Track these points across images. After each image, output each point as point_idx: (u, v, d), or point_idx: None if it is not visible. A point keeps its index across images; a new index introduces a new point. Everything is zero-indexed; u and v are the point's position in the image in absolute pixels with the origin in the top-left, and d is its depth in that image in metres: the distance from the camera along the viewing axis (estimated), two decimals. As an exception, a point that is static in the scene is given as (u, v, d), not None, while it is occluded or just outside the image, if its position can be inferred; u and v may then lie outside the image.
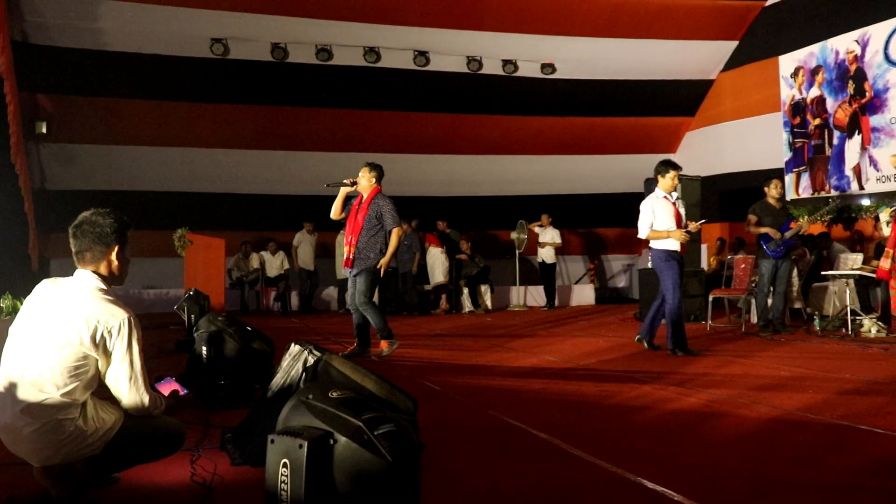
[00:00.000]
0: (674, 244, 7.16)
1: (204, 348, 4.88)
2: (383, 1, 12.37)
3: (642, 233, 7.25)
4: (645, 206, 7.26)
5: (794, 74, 12.81)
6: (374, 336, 7.18)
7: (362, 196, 7.08)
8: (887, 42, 11.05)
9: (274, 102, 13.56)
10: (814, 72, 12.42)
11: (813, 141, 12.46)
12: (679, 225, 7.20)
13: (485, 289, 14.07)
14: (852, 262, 9.69)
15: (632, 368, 6.39)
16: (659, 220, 7.18)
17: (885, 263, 7.80)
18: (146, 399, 2.80)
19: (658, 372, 6.12)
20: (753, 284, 9.44)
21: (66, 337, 2.66)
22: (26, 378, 2.66)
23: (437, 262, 13.47)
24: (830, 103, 12.13)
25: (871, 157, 11.37)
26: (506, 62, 13.82)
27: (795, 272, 10.20)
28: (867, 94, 11.42)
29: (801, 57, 12.67)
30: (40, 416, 2.62)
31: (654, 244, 7.27)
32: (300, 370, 3.56)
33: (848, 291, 8.82)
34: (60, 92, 12.43)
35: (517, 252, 14.41)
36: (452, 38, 13.17)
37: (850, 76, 11.75)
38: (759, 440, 3.90)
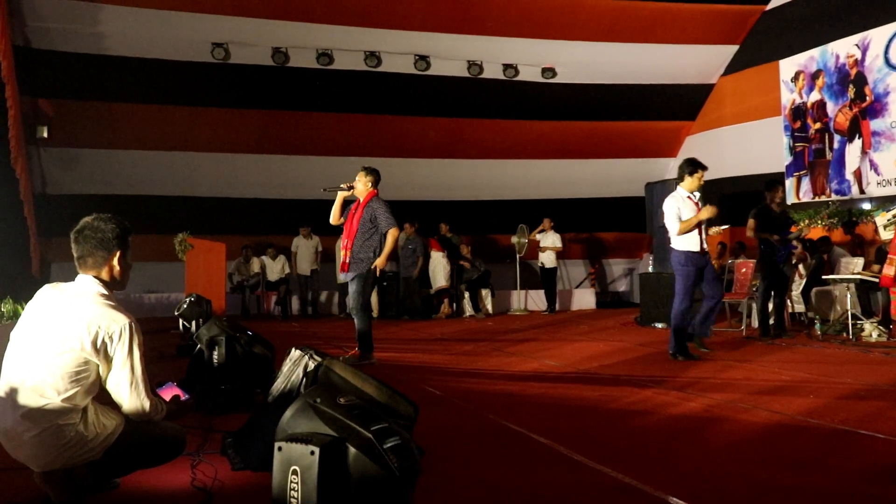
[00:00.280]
0: (693, 245, 7.02)
1: (205, 353, 4.89)
2: (384, 5, 12.39)
3: (674, 229, 7.04)
4: (670, 205, 7.08)
5: (795, 78, 12.82)
6: (377, 341, 7.18)
7: (359, 200, 7.09)
8: (888, 46, 11.06)
9: (275, 107, 13.57)
10: (814, 76, 12.42)
11: (813, 145, 12.46)
12: (701, 229, 7.06)
13: (486, 293, 14.07)
14: (853, 266, 9.69)
15: (632, 373, 6.39)
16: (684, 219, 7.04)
17: (889, 270, 7.78)
18: (147, 404, 2.80)
19: (659, 376, 6.12)
20: (754, 289, 9.44)
21: (67, 342, 2.66)
22: (27, 383, 2.66)
23: (438, 267, 13.47)
24: (831, 107, 12.13)
25: (871, 161, 11.37)
26: (506, 66, 13.83)
27: (797, 276, 10.21)
28: (868, 98, 11.43)
29: (802, 61, 12.67)
30: (41, 421, 2.62)
31: (674, 245, 7.13)
32: (301, 375, 3.56)
33: (849, 295, 8.82)
34: (62, 96, 12.44)
35: (518, 256, 14.40)
36: (453, 42, 13.18)
37: (850, 80, 11.75)
38: (759, 445, 3.90)
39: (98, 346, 2.68)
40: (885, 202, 10.68)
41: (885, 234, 8.39)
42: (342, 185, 7.11)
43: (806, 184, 12.57)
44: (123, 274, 2.89)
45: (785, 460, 3.59)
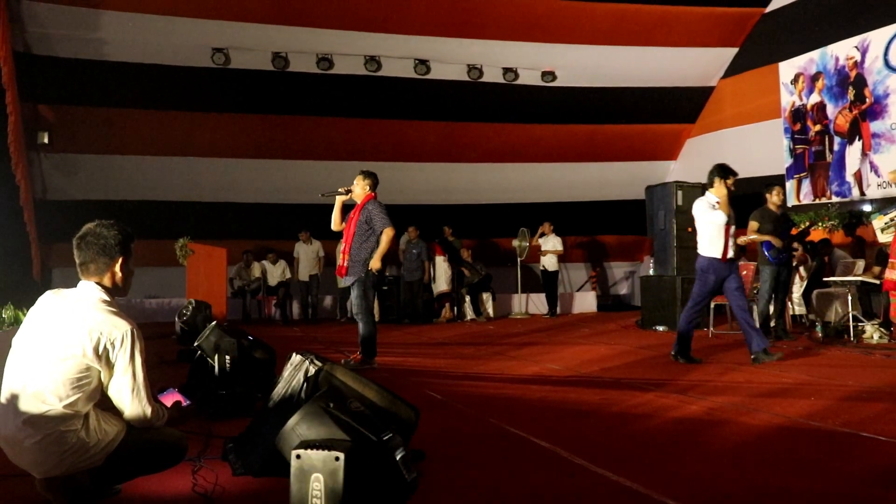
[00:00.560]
0: (716, 251, 6.96)
1: (205, 358, 4.89)
2: (384, 10, 12.40)
3: (703, 234, 6.99)
4: (704, 210, 7.03)
5: (795, 81, 12.83)
6: (380, 345, 7.17)
7: (357, 204, 7.10)
8: (887, 48, 11.07)
9: (275, 111, 13.59)
10: (814, 78, 12.43)
11: (813, 147, 12.46)
12: (727, 234, 7.00)
13: (487, 297, 14.07)
14: (854, 268, 9.68)
15: (634, 376, 6.38)
16: (715, 231, 6.98)
17: (891, 275, 7.76)
18: (148, 411, 2.80)
19: (660, 380, 6.11)
20: (755, 291, 9.43)
21: (69, 348, 2.66)
22: (29, 389, 2.66)
23: (440, 271, 13.49)
24: (831, 109, 12.14)
25: (871, 163, 11.38)
26: (506, 70, 13.85)
27: (797, 278, 10.20)
28: (867, 100, 11.44)
29: (801, 63, 12.69)
30: (42, 427, 2.62)
31: (701, 251, 7.07)
32: (301, 380, 3.55)
33: (850, 298, 8.81)
34: (62, 102, 12.46)
35: (519, 260, 14.41)
36: (453, 46, 13.20)
37: (850, 82, 11.76)
38: (760, 448, 3.90)
39: (100, 353, 2.68)
40: (885, 204, 10.67)
41: (882, 238, 8.39)
42: (340, 190, 7.12)
43: (806, 186, 12.57)
44: (125, 280, 2.89)
45: (786, 463, 3.59)
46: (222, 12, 11.86)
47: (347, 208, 7.26)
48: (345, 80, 13.26)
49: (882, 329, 8.39)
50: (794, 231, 8.89)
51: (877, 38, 11.25)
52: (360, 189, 7.08)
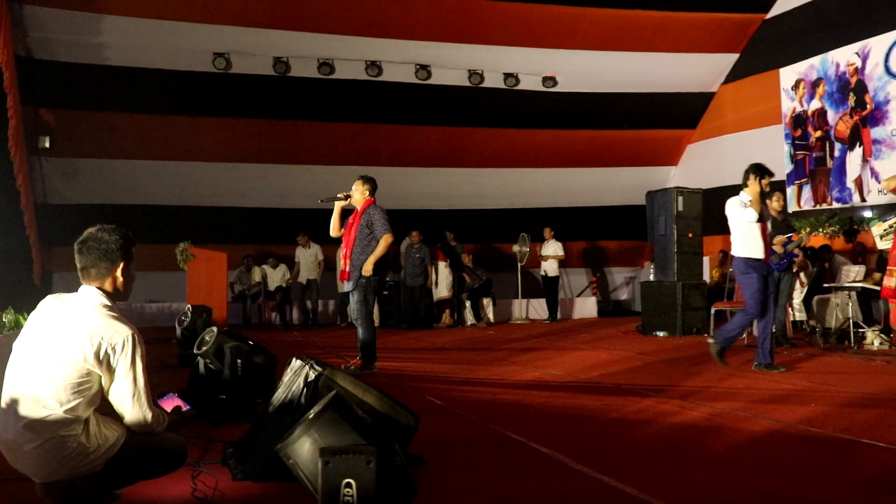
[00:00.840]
0: (757, 251, 6.82)
1: (205, 363, 4.89)
2: (385, 15, 12.42)
3: (737, 233, 6.86)
4: (735, 208, 6.92)
5: (795, 87, 12.84)
6: (380, 350, 7.17)
7: (357, 209, 7.11)
8: (888, 54, 11.08)
9: (276, 116, 13.59)
10: (814, 84, 12.45)
11: (814, 153, 12.47)
12: (765, 235, 6.90)
13: (487, 302, 14.07)
14: (854, 274, 9.68)
15: (634, 382, 6.38)
16: (747, 229, 6.86)
17: (889, 282, 7.76)
18: (149, 416, 2.80)
19: (660, 385, 6.11)
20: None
21: (69, 353, 2.66)
22: (29, 394, 2.66)
23: (441, 277, 13.48)
24: (831, 115, 12.15)
25: (872, 169, 11.38)
26: (507, 75, 13.85)
27: (798, 284, 10.20)
28: (868, 106, 11.45)
29: (802, 69, 12.70)
30: (43, 432, 2.62)
31: (735, 251, 6.93)
32: (301, 385, 3.56)
33: (850, 304, 8.80)
34: (63, 106, 12.46)
35: (519, 265, 14.40)
36: (454, 51, 13.22)
37: (850, 88, 11.78)
38: (761, 454, 3.90)
39: (101, 358, 2.68)
40: (886, 210, 10.67)
41: (881, 244, 8.37)
42: (339, 195, 7.13)
43: (807, 192, 12.58)
44: (126, 285, 2.90)
45: (786, 469, 3.59)
46: (223, 17, 11.88)
47: (345, 214, 7.26)
48: (346, 85, 13.26)
49: (882, 335, 8.39)
50: (794, 237, 8.87)
51: (877, 45, 11.27)
52: (359, 194, 7.08)
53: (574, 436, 4.38)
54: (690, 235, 11.11)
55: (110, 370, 2.71)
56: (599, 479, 3.36)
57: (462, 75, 13.71)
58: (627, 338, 10.65)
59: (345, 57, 12.95)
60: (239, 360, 4.80)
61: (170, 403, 3.18)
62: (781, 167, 12.93)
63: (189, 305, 9.06)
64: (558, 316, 14.43)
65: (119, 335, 2.70)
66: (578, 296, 16.23)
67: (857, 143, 11.66)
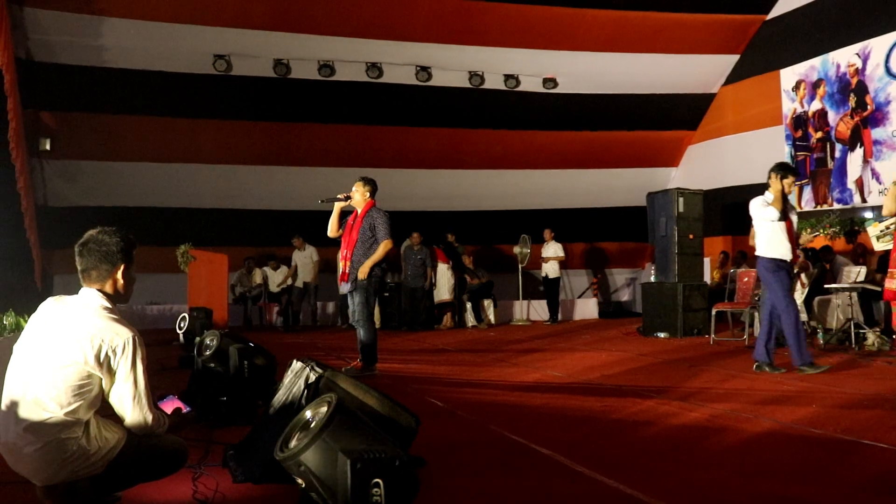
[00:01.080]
0: (784, 252, 6.76)
1: (206, 365, 4.88)
2: (385, 17, 12.42)
3: (761, 233, 6.81)
4: (757, 207, 6.83)
5: (796, 88, 12.84)
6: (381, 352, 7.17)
7: (357, 211, 7.10)
8: (888, 55, 11.08)
9: (277, 118, 13.60)
10: (815, 85, 12.44)
11: (815, 154, 12.47)
12: (791, 234, 6.83)
13: (488, 303, 14.07)
14: (855, 275, 9.67)
15: (635, 383, 6.38)
16: (773, 229, 6.80)
17: (890, 284, 7.75)
18: (150, 418, 2.80)
19: (661, 387, 6.11)
20: (756, 298, 9.42)
21: (70, 355, 2.66)
22: (29, 396, 2.66)
23: (443, 279, 13.48)
24: (832, 116, 12.15)
25: (873, 170, 11.38)
26: (508, 77, 13.85)
27: (799, 285, 10.19)
28: (869, 107, 11.44)
29: (803, 70, 12.70)
30: (43, 434, 2.62)
31: (760, 252, 6.87)
32: (302, 387, 3.55)
33: (851, 305, 8.79)
34: (64, 109, 12.46)
35: (520, 266, 14.41)
36: (454, 53, 13.22)
37: (851, 89, 11.77)
38: (761, 455, 3.89)
39: (101, 360, 2.68)
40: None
41: (878, 246, 8.36)
42: (339, 196, 7.13)
43: (808, 193, 12.57)
44: (127, 287, 2.90)
45: (787, 470, 3.58)
46: (224, 19, 11.88)
47: (344, 215, 7.26)
48: (346, 87, 13.27)
49: (883, 336, 8.38)
50: None
51: (878, 46, 11.26)
52: (359, 196, 7.08)
53: (575, 437, 4.38)
54: (691, 237, 11.11)
55: (111, 372, 2.71)
56: (600, 480, 3.36)
57: (462, 77, 13.71)
58: (628, 339, 10.65)
59: (345, 59, 12.95)
60: (245, 362, 4.80)
61: (170, 405, 3.18)
62: (782, 168, 12.91)
63: (185, 312, 9.06)
64: (559, 317, 14.44)
65: (120, 337, 2.70)
66: (579, 297, 16.24)
67: (858, 144, 11.65)
